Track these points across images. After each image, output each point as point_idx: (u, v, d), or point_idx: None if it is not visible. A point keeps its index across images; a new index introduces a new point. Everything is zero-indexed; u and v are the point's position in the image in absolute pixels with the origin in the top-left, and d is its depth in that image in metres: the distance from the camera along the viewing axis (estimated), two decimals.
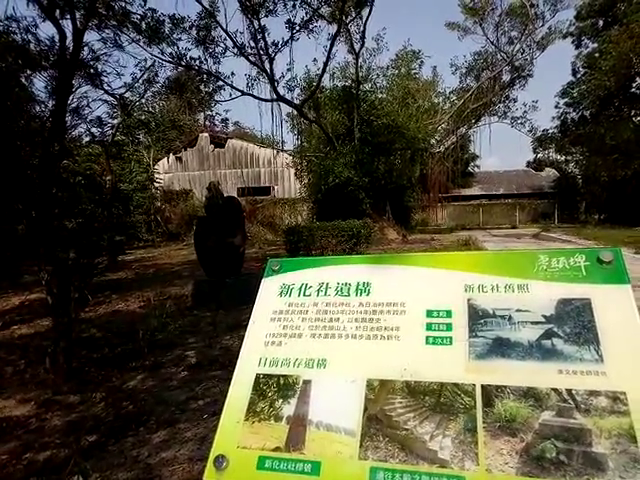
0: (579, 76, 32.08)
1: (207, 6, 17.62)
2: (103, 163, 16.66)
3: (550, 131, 38.45)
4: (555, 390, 0.88)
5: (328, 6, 18.76)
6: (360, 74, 23.08)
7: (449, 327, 1.03)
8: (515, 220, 35.76)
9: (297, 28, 18.56)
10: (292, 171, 28.27)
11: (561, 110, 35.09)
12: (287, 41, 18.95)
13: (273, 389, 1.06)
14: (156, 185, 25.60)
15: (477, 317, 1.03)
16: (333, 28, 19.73)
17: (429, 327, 1.05)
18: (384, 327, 1.08)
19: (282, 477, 0.93)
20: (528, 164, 45.68)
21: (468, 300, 1.06)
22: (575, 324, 0.96)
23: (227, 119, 47.37)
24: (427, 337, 1.04)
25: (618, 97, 27.70)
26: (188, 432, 3.41)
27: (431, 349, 1.02)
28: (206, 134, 32.34)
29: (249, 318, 4.82)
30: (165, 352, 5.46)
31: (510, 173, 41.86)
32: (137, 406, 3.96)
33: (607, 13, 29.24)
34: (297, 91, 25.00)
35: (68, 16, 6.90)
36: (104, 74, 12.22)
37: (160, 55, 18.00)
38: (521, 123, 37.90)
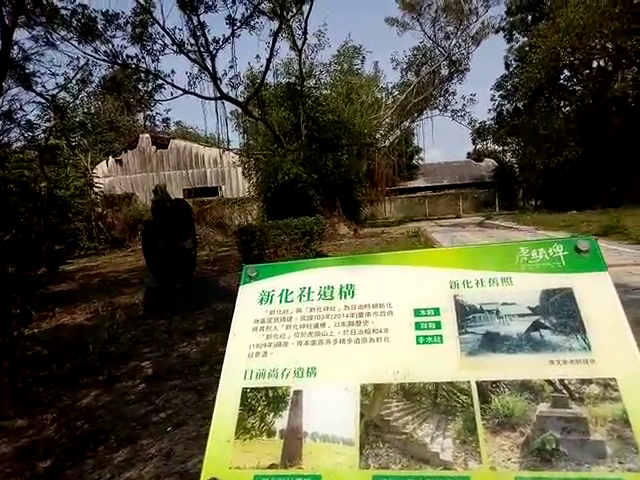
0: (512, 69, 33.65)
1: (142, 2, 16.94)
2: (36, 169, 15.68)
3: (487, 123, 40.18)
4: (548, 381, 0.89)
5: (269, 1, 18.55)
6: (304, 70, 23.03)
7: (438, 325, 1.02)
8: (459, 210, 37.14)
9: (238, 24, 18.25)
10: (239, 170, 27.83)
11: (497, 102, 36.79)
12: (228, 38, 18.59)
13: (262, 403, 1.01)
14: (96, 190, 24.46)
15: (465, 313, 1.03)
16: (275, 24, 19.57)
17: (418, 326, 1.04)
18: (372, 329, 1.06)
19: None
20: (469, 155, 47.45)
21: (454, 296, 1.06)
22: (560, 314, 0.97)
23: (168, 119, 45.96)
24: (417, 337, 1.02)
25: (548, 89, 29.31)
26: (152, 448, 3.27)
27: (422, 349, 1.00)
28: (147, 135, 31.18)
29: (206, 323, 4.70)
30: (119, 365, 5.23)
31: (452, 164, 43.36)
32: (93, 425, 3.76)
33: (535, 8, 30.83)
34: (241, 89, 24.67)
35: None
36: (37, 74, 11.43)
37: (94, 53, 17.17)
38: (461, 116, 39.30)
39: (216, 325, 6.30)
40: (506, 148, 39.02)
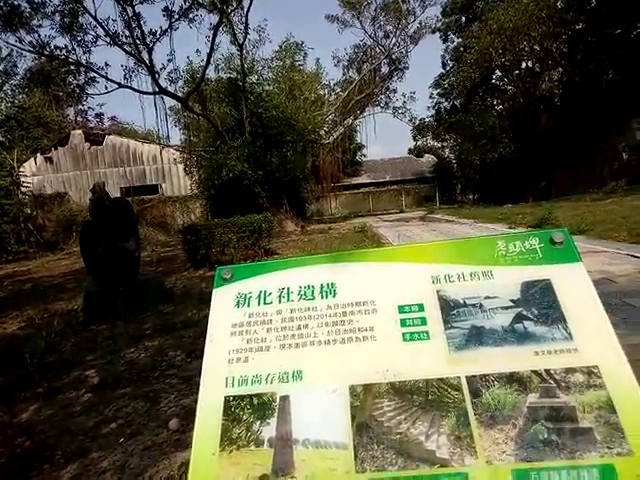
0: (448, 68, 34.95)
1: None
2: None
3: (427, 120, 41.49)
4: (535, 372, 0.91)
5: None
6: (245, 66, 22.66)
7: (424, 321, 1.02)
8: (402, 204, 38.14)
9: (176, 17, 17.63)
10: (181, 167, 27.03)
11: (435, 100, 38.13)
12: (166, 30, 17.87)
13: (247, 411, 0.95)
14: (23, 190, 22.84)
15: (449, 308, 1.03)
16: (215, 18, 19.08)
17: (404, 323, 1.02)
18: (357, 328, 1.03)
19: None
20: (410, 151, 48.82)
21: (437, 292, 1.05)
22: (541, 305, 0.99)
23: (102, 114, 43.62)
24: (403, 334, 1.01)
25: (482, 88, 30.69)
26: (104, 461, 3.09)
27: (410, 346, 0.99)
28: (79, 131, 29.58)
29: (153, 327, 4.48)
30: (60, 375, 4.89)
31: (395, 160, 44.40)
32: (36, 441, 3.49)
33: (468, 10, 32.13)
34: (180, 83, 23.90)
35: None
36: None
37: (18, 43, 15.98)
38: (402, 113, 40.13)
39: (164, 328, 6.07)
40: (445, 144, 40.55)
